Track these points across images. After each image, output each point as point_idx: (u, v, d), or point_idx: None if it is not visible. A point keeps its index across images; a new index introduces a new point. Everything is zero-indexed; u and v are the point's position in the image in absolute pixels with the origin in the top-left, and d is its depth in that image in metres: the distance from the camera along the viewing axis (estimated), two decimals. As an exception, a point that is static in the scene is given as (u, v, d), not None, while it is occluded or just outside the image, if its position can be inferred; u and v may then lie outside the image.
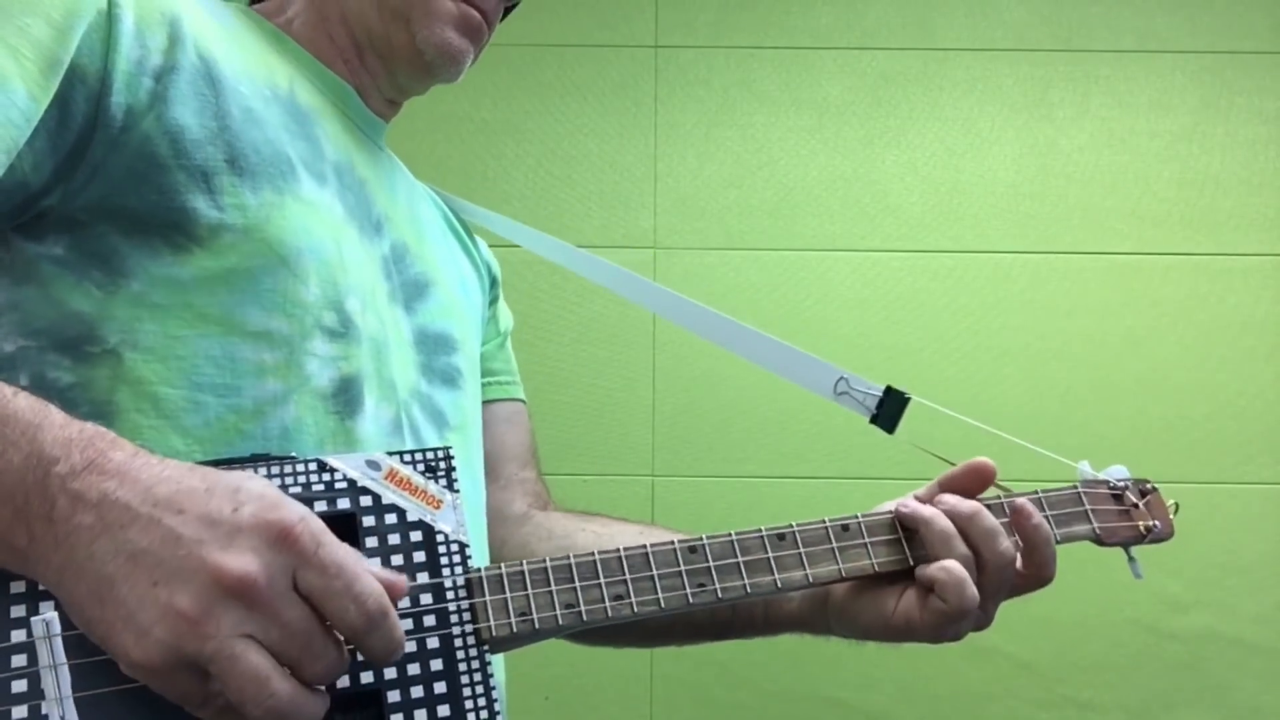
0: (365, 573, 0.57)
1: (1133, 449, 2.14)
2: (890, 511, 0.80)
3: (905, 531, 0.80)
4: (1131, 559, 0.86)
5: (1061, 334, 2.20)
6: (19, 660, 0.56)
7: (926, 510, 0.79)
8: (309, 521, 0.56)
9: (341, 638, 0.57)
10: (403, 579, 0.60)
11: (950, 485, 0.83)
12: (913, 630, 0.79)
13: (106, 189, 0.68)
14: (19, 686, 0.56)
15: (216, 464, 0.62)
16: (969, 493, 0.82)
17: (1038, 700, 2.13)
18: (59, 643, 0.56)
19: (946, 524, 0.78)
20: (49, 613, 0.57)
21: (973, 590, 0.76)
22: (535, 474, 1.06)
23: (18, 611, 0.57)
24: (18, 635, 0.57)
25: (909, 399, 0.89)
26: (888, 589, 0.81)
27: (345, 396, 0.75)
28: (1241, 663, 2.13)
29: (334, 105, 0.85)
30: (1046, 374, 2.18)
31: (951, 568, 0.76)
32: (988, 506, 0.81)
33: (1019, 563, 0.80)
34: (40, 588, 0.58)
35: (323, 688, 0.57)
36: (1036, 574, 0.80)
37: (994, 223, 2.24)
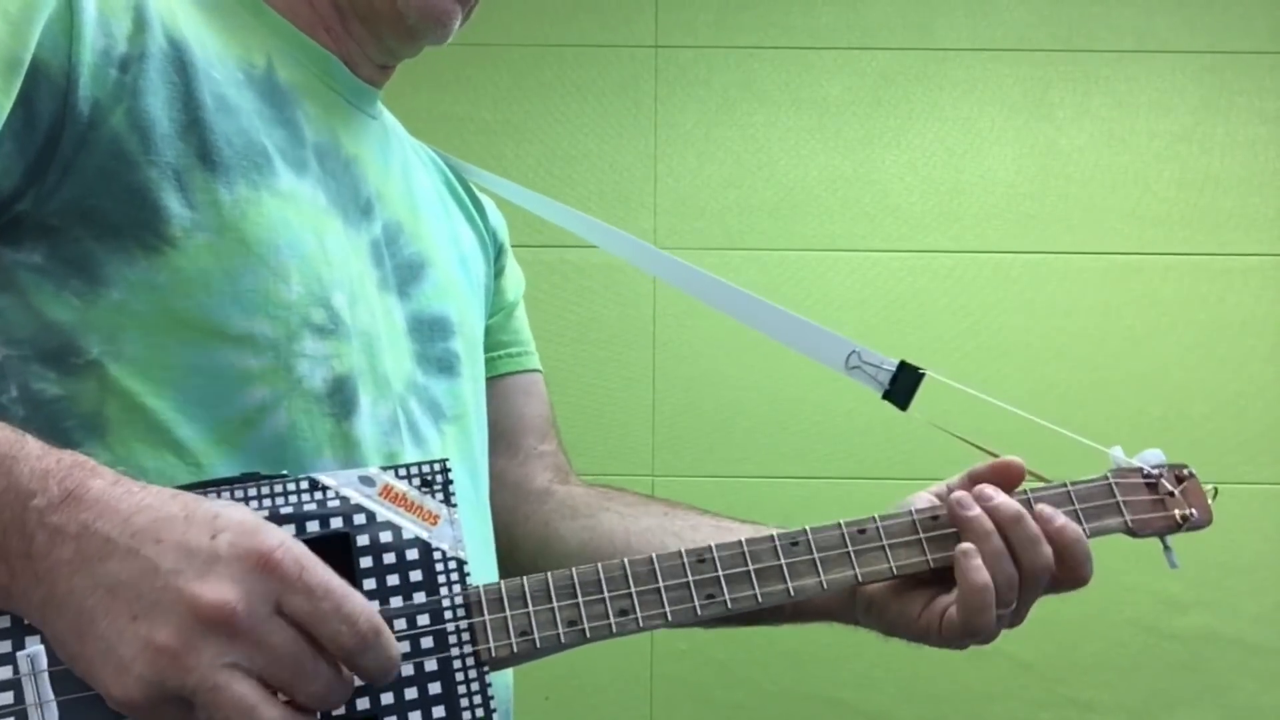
0: (353, 592, 0.55)
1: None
2: (909, 511, 0.78)
3: (925, 532, 0.77)
4: (1167, 548, 0.83)
5: (1061, 334, 2.20)
6: (5, 698, 0.55)
7: (971, 512, 0.76)
8: (289, 547, 0.54)
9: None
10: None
11: (978, 482, 0.80)
12: (930, 639, 0.78)
13: (78, 190, 0.65)
14: None
15: (206, 485, 0.61)
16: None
17: (1038, 700, 2.13)
18: (45, 679, 0.55)
19: (987, 524, 0.75)
20: (34, 647, 0.56)
21: (990, 616, 0.74)
22: (555, 445, 1.03)
23: (3, 648, 0.56)
24: (4, 672, 0.56)
25: (923, 374, 0.86)
26: (918, 591, 0.79)
27: (340, 397, 0.73)
28: (1241, 663, 2.13)
29: (317, 79, 0.80)
30: (1046, 374, 2.18)
31: (977, 594, 0.74)
32: (1017, 500, 0.78)
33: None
34: (27, 622, 0.56)
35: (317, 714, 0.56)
36: (1071, 576, 0.77)
37: (994, 223, 2.23)
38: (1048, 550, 0.75)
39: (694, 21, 2.28)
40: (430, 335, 0.84)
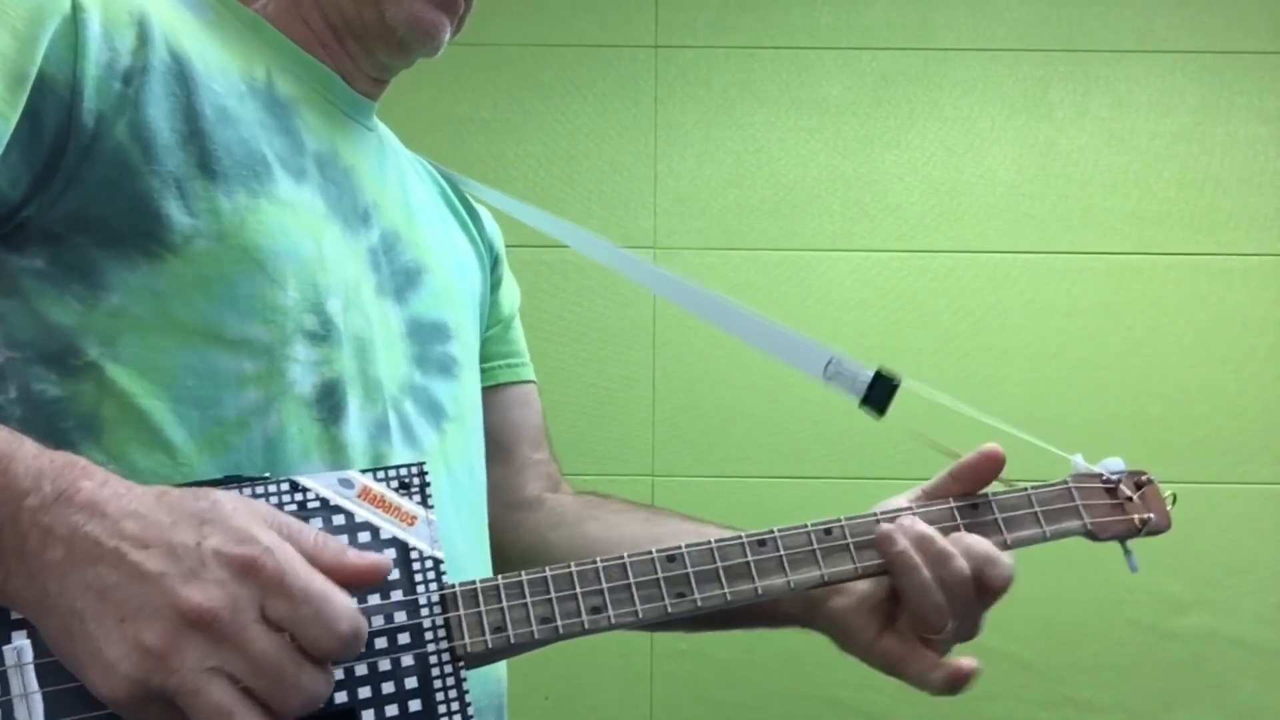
0: (336, 594, 0.56)
1: (1132, 449, 2.12)
2: (873, 513, 0.79)
3: None
4: (1128, 552, 0.84)
5: (1061, 334, 2.20)
6: None
7: (899, 544, 0.77)
8: (274, 550, 0.55)
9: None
10: (385, 559, 0.61)
11: (963, 474, 0.81)
12: (893, 672, 0.79)
13: (81, 199, 0.67)
14: None
15: (191, 486, 0.62)
16: (982, 480, 0.81)
17: (1038, 700, 2.13)
18: (30, 670, 0.56)
19: (912, 558, 0.76)
20: (20, 641, 0.57)
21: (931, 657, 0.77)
22: (548, 455, 1.05)
23: None
24: None
25: (898, 383, 0.87)
26: (871, 616, 0.80)
27: (329, 402, 0.74)
28: (1241, 663, 2.13)
29: (315, 92, 0.83)
30: (1046, 374, 2.18)
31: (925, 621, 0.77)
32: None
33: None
34: (13, 616, 0.58)
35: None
36: (989, 586, 0.77)
37: (994, 223, 2.24)
38: (962, 564, 0.76)
39: (694, 21, 2.28)
40: (429, 339, 0.86)
